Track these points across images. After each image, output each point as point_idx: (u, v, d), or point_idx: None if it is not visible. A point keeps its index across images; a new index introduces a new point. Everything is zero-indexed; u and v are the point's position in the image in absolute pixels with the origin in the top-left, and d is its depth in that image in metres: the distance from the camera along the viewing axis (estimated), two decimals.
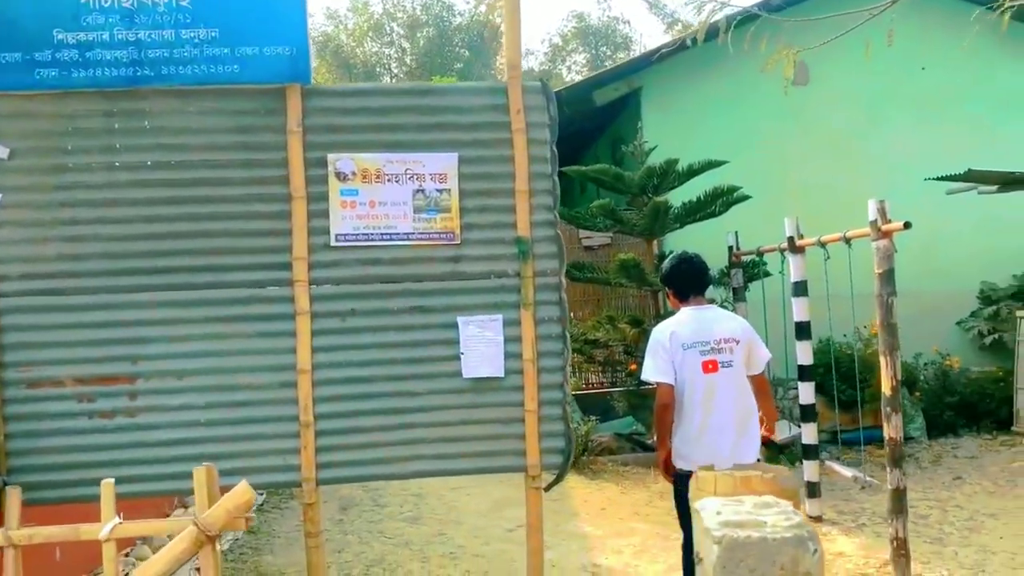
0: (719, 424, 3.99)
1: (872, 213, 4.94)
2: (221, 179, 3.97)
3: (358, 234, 4.07)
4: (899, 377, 4.90)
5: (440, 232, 4.12)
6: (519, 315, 4.12)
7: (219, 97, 3.97)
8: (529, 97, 4.12)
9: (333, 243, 4.04)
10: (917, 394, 8.65)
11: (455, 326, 4.10)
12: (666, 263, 4.45)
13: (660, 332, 4.17)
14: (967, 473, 7.46)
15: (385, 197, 4.08)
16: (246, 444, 3.99)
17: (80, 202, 3.87)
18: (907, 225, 4.72)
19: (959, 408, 8.82)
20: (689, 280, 4.25)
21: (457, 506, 6.46)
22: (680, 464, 4.07)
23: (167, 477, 3.92)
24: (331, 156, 4.03)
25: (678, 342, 4.05)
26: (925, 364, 9.12)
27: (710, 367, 3.99)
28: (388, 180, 4.08)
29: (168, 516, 5.85)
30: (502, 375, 4.12)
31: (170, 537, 3.24)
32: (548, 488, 4.30)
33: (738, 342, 4.01)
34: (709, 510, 2.66)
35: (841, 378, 8.13)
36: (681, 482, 3.96)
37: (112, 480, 3.07)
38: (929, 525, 6.03)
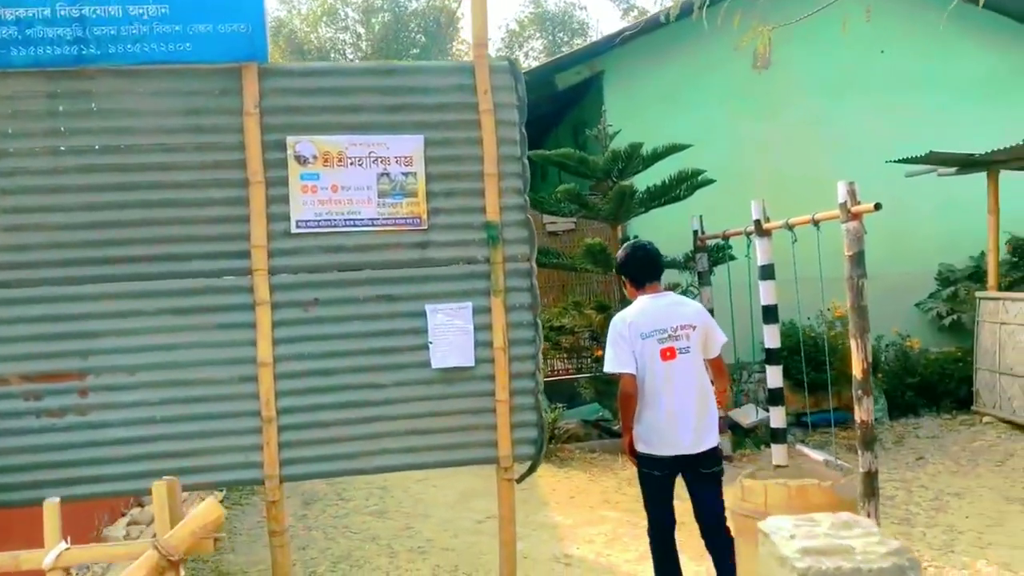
0: (679, 409, 4.04)
1: (842, 195, 4.89)
2: (174, 164, 3.77)
3: (320, 220, 3.91)
4: (870, 360, 4.87)
5: (406, 217, 3.97)
6: (489, 302, 4.00)
7: (170, 77, 3.77)
8: (497, 77, 3.99)
9: (294, 230, 3.87)
10: (879, 376, 8.71)
11: (423, 315, 3.97)
12: (620, 253, 4.47)
13: (618, 322, 4.18)
14: (929, 453, 7.53)
15: (348, 181, 3.92)
16: (205, 441, 3.81)
17: (23, 189, 3.64)
18: (877, 206, 4.67)
19: (919, 389, 8.91)
20: (644, 268, 4.28)
21: (424, 498, 6.33)
22: (642, 448, 4.12)
23: (122, 478, 3.74)
24: (290, 139, 3.86)
25: (636, 331, 4.08)
26: (886, 346, 9.20)
27: (668, 354, 4.04)
28: (351, 164, 3.92)
29: (124, 515, 5.64)
30: (472, 364, 4.00)
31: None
32: (520, 480, 4.20)
33: (695, 327, 4.07)
34: (780, 533, 2.23)
35: (805, 360, 8.17)
36: (645, 466, 4.12)
37: (56, 501, 2.81)
38: (896, 506, 6.05)
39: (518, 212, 4.04)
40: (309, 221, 3.90)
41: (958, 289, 9.37)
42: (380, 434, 3.98)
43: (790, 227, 5.76)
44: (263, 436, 3.84)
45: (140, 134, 3.74)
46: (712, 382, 4.24)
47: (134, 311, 3.75)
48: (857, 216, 4.81)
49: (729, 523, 4.21)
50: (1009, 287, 8.41)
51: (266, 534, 3.98)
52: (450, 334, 4.00)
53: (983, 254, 9.49)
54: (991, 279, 8.11)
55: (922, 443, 7.86)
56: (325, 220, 3.91)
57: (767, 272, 6.19)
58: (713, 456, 4.11)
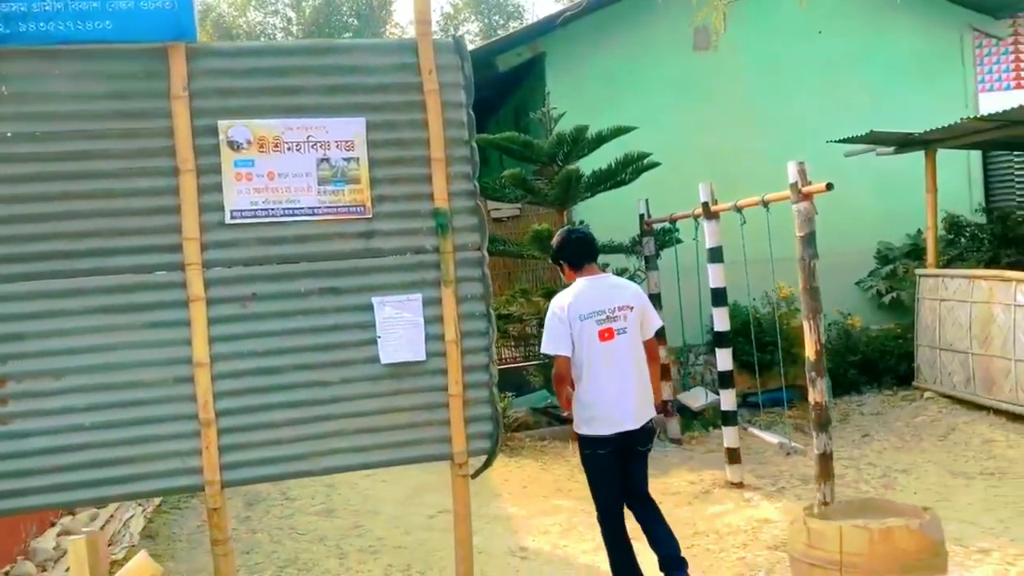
0: (620, 388, 4.06)
1: (792, 175, 4.85)
2: (96, 152, 3.50)
3: (256, 210, 3.68)
4: (823, 341, 4.86)
5: (349, 205, 3.77)
6: (439, 293, 3.83)
7: (90, 58, 3.49)
8: (441, 56, 3.81)
9: (228, 220, 3.64)
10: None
11: (370, 308, 3.78)
12: (555, 239, 4.48)
13: (556, 304, 4.17)
14: (874, 430, 7.62)
15: (285, 168, 3.71)
16: (138, 448, 3.58)
17: None
18: (829, 186, 4.65)
19: (861, 366, 9.03)
20: (580, 250, 4.30)
21: (373, 495, 6.14)
22: (584, 431, 4.13)
23: (49, 490, 3.48)
24: (222, 123, 3.62)
25: (575, 313, 4.08)
26: (829, 325, 9.26)
27: (607, 335, 4.06)
28: (288, 149, 3.71)
29: (54, 524, 5.32)
30: (423, 358, 3.83)
31: None
32: (476, 475, 4.06)
33: (632, 308, 4.10)
34: None
35: (749, 342, 8.20)
36: (589, 447, 4.13)
37: None
38: (847, 485, 6.08)
39: (468, 198, 3.87)
40: (245, 211, 3.67)
41: (896, 267, 9.51)
42: (328, 434, 3.80)
43: (739, 209, 5.72)
44: (202, 440, 3.62)
45: (58, 120, 3.46)
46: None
47: (58, 311, 3.49)
48: (808, 196, 4.78)
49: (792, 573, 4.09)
50: (947, 264, 8.56)
51: (208, 539, 3.76)
52: (399, 327, 3.82)
53: (920, 232, 9.66)
54: (930, 257, 8.23)
55: (867, 420, 7.95)
56: (262, 210, 3.69)
57: (716, 255, 6.15)
58: (650, 433, 4.22)
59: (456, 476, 3.96)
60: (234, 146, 3.64)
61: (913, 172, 9.03)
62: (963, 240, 9.17)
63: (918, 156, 8.48)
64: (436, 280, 3.84)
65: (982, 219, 9.51)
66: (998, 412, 7.17)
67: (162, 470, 3.63)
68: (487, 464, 4.03)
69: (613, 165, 7.44)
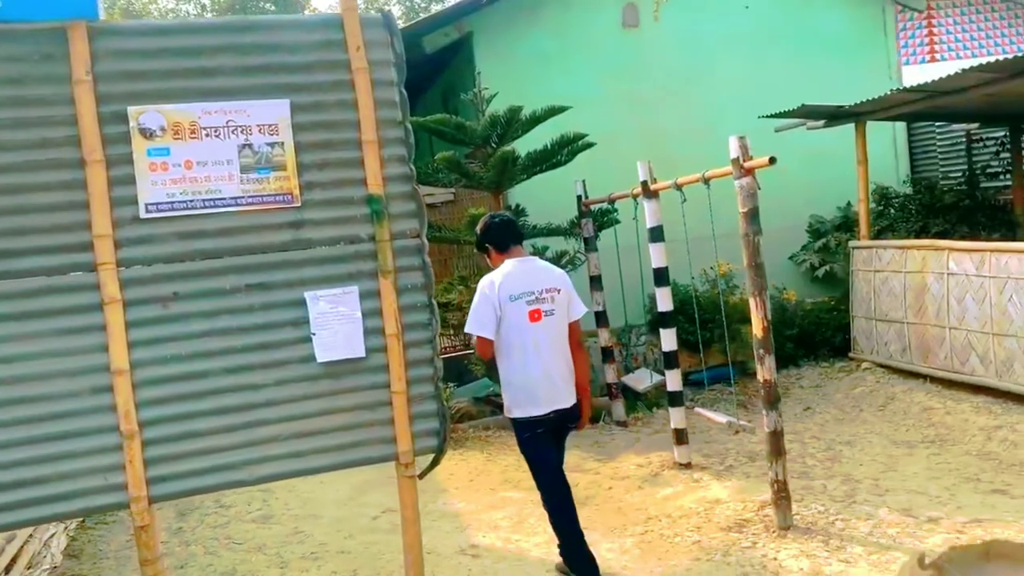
0: (552, 368, 4.07)
1: (734, 150, 4.75)
2: None
3: (174, 202, 3.40)
4: (769, 317, 4.79)
5: (275, 194, 3.51)
6: (377, 285, 3.61)
7: None
8: (370, 31, 3.56)
9: (143, 215, 3.34)
10: None
11: (302, 303, 3.54)
12: (479, 225, 4.44)
13: (486, 284, 4.15)
14: (815, 403, 7.67)
15: (204, 156, 3.43)
16: (54, 466, 3.28)
17: None
18: (772, 160, 4.56)
19: (798, 340, 9.10)
20: (505, 232, 4.28)
21: (312, 497, 5.88)
22: (520, 413, 4.11)
23: None
24: (132, 109, 3.32)
25: (505, 293, 4.06)
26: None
27: (536, 316, 4.06)
28: (206, 135, 3.42)
29: None
30: (363, 355, 3.61)
31: None
32: (423, 475, 3.86)
33: (559, 291, 4.11)
34: None
35: (688, 320, 8.17)
36: (527, 430, 4.11)
37: None
38: (793, 460, 6.05)
39: (403, 183, 3.65)
40: (161, 204, 3.38)
41: (828, 240, 9.60)
42: (262, 440, 3.55)
43: (679, 187, 5.62)
44: (124, 454, 3.34)
45: None
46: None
47: None
48: (750, 171, 4.69)
49: None
50: (877, 235, 8.66)
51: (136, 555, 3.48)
52: (335, 323, 3.59)
53: (850, 204, 9.78)
54: (863, 229, 8.31)
55: (806, 393, 8.01)
56: (180, 202, 3.40)
57: (656, 234, 6.05)
58: (576, 412, 4.24)
59: (402, 477, 3.76)
60: (146, 133, 3.35)
61: (841, 146, 9.11)
62: (892, 211, 9.30)
63: (846, 130, 8.54)
64: (373, 271, 3.61)
65: (909, 190, 9.66)
66: (934, 379, 7.28)
67: (82, 488, 3.34)
68: (434, 463, 3.84)
69: (549, 146, 7.27)
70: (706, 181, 5.24)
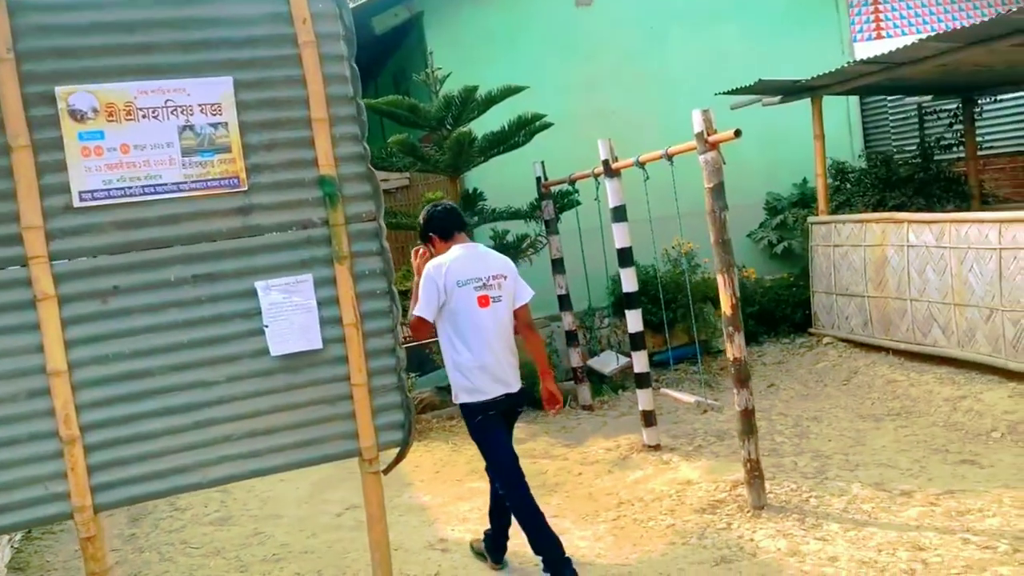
0: (501, 353, 4.05)
1: (697, 124, 4.63)
2: None
3: (111, 189, 3.17)
4: (738, 295, 4.69)
5: (220, 178, 3.30)
6: (333, 272, 3.43)
7: None
8: (316, 3, 3.37)
9: (77, 204, 3.12)
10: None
11: (253, 294, 3.34)
12: (421, 217, 4.38)
13: (433, 268, 4.07)
14: (778, 379, 7.64)
15: (142, 139, 3.20)
16: None
17: None
18: (738, 133, 4.45)
19: (759, 317, 9.06)
20: (448, 219, 4.23)
21: (272, 496, 5.66)
22: (467, 398, 4.06)
23: None
24: (60, 89, 3.08)
25: (453, 279, 4.01)
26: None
27: (484, 303, 4.03)
28: (143, 116, 3.20)
29: None
30: (319, 347, 3.43)
31: None
32: (388, 471, 3.70)
33: (506, 277, 4.10)
34: None
35: (651, 301, 8.08)
36: (476, 415, 4.05)
37: None
38: (761, 437, 5.92)
39: (357, 163, 3.46)
40: (96, 192, 3.15)
41: (786, 216, 9.58)
42: (215, 440, 3.35)
43: (641, 164, 5.49)
44: (66, 461, 3.13)
45: None
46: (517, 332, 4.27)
47: None
48: (715, 146, 4.57)
49: None
50: (835, 210, 8.65)
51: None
52: (289, 314, 3.39)
53: (806, 181, 9.78)
54: (821, 204, 8.28)
55: (770, 370, 7.98)
56: (117, 189, 3.18)
57: (619, 214, 5.92)
58: (524, 395, 4.21)
59: (366, 474, 3.59)
60: (77, 116, 3.12)
61: (796, 122, 9.07)
62: (849, 186, 9.30)
63: (800, 107, 8.50)
64: (328, 257, 3.43)
65: (864, 165, 9.68)
66: (896, 352, 7.29)
67: (21, 500, 3.14)
68: (400, 457, 3.67)
69: (506, 127, 7.09)
70: (669, 157, 5.11)
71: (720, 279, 4.68)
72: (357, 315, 3.44)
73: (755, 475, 4.63)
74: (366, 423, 3.50)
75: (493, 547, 4.36)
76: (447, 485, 5.69)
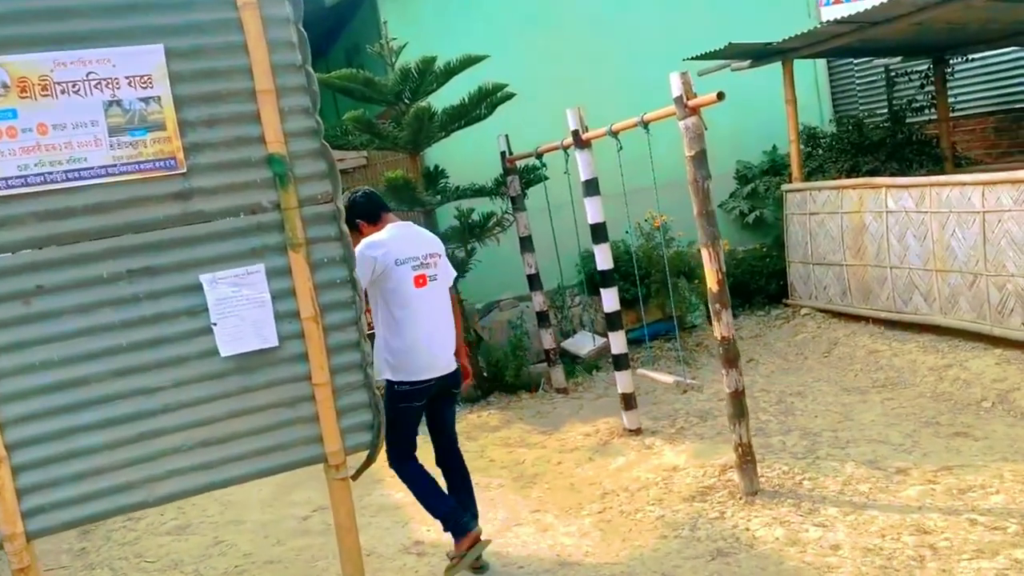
0: (436, 333, 3.98)
1: (676, 88, 4.33)
2: None
3: (28, 176, 2.80)
4: (724, 270, 4.43)
5: (155, 160, 2.94)
6: (287, 261, 3.09)
7: None
8: None
9: None
10: (696, 282, 8.53)
11: (198, 288, 3.00)
12: (344, 205, 4.06)
13: (369, 246, 3.91)
14: (757, 353, 7.43)
15: (62, 117, 2.83)
16: None
17: None
18: (720, 96, 4.16)
19: (733, 289, 8.73)
20: (371, 202, 4.13)
21: (233, 500, 5.29)
22: (399, 376, 3.93)
23: None
24: None
25: (391, 258, 3.90)
26: (698, 251, 9.00)
27: (421, 282, 3.95)
28: (62, 92, 2.82)
29: None
30: (276, 344, 3.09)
31: None
32: (356, 476, 3.39)
33: (440, 256, 4.05)
34: None
35: (622, 277, 7.82)
36: (403, 400, 3.93)
37: None
38: None
39: (309, 139, 3.11)
40: (12, 179, 2.78)
41: (757, 185, 9.35)
42: (163, 453, 3.02)
43: (614, 134, 5.18)
44: None
45: None
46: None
47: None
48: (696, 111, 4.27)
49: None
50: (807, 177, 8.43)
51: None
52: (240, 309, 3.05)
53: (775, 148, 9.54)
54: (795, 170, 8.05)
55: (748, 344, 7.76)
56: (36, 175, 2.80)
57: (591, 187, 5.61)
58: (460, 375, 4.14)
59: (333, 480, 3.27)
60: None
61: (764, 88, 8.80)
62: (820, 152, 9.09)
63: (767, 72, 8.24)
64: (281, 245, 3.09)
65: (834, 130, 9.47)
66: (877, 321, 7.11)
67: None
68: (369, 460, 3.36)
69: (467, 100, 6.72)
70: (645, 125, 4.81)
71: (705, 253, 4.41)
72: (316, 307, 3.11)
73: (747, 460, 4.39)
74: (330, 426, 3.19)
75: (456, 530, 4.07)
76: None
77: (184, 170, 2.95)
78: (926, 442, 4.90)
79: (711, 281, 4.42)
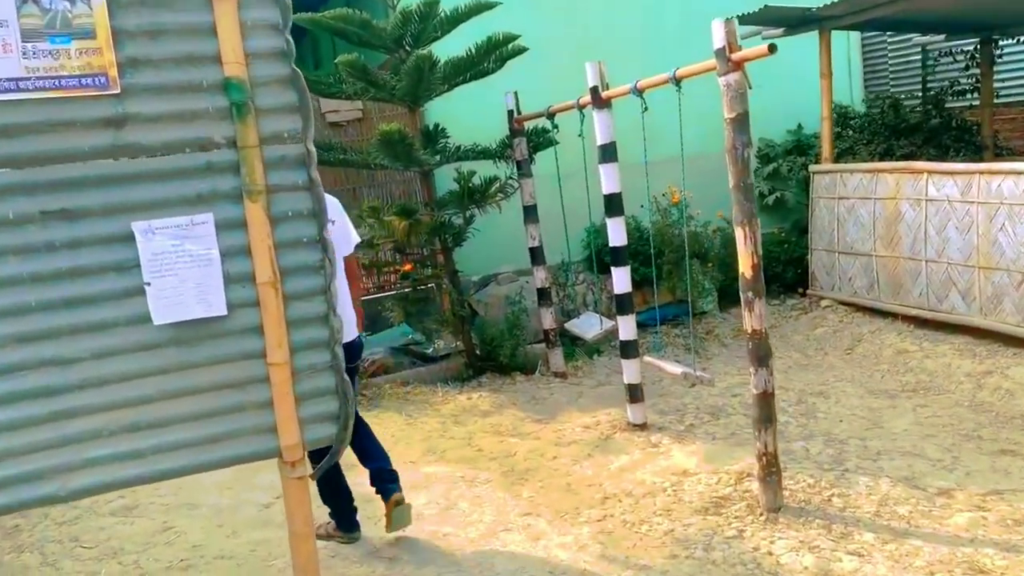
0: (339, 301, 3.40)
1: (719, 39, 3.73)
2: None
3: None
4: (760, 253, 3.85)
5: (81, 75, 2.35)
6: (243, 212, 2.51)
7: None
8: None
9: None
10: (710, 265, 7.96)
11: (130, 239, 2.43)
12: None
13: None
14: (773, 346, 6.68)
15: None
16: None
17: None
18: (772, 48, 3.56)
19: None
20: None
21: (188, 480, 4.62)
22: None
23: None
24: None
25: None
26: (713, 231, 8.43)
27: None
28: None
29: None
30: (223, 312, 2.53)
31: None
32: (317, 475, 2.85)
33: (334, 222, 3.50)
34: None
35: (632, 255, 7.26)
36: None
37: None
38: None
39: (277, 62, 2.52)
40: None
41: (779, 165, 8.74)
42: (80, 438, 2.48)
43: (639, 92, 4.58)
44: None
45: None
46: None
47: None
48: (740, 65, 3.67)
49: None
50: (836, 159, 7.82)
51: None
52: (181, 268, 2.48)
53: (800, 127, 8.94)
54: (826, 151, 7.43)
55: None
56: None
57: (609, 152, 5.02)
58: (360, 346, 3.97)
59: (288, 479, 2.72)
60: None
61: (792, 61, 8.12)
62: (851, 132, 8.47)
63: (796, 43, 7.55)
64: (235, 191, 2.51)
65: (865, 110, 8.85)
66: (906, 319, 6.54)
67: None
68: (333, 457, 2.81)
69: (473, 51, 6.09)
70: (677, 82, 4.20)
71: (739, 233, 3.83)
72: (276, 270, 2.54)
73: (771, 471, 3.84)
74: (287, 414, 2.64)
75: (341, 520, 3.89)
76: (399, 468, 4.71)
77: (118, 91, 2.37)
78: (968, 459, 4.35)
79: (745, 265, 3.85)
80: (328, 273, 2.63)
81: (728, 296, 8.24)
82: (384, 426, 5.55)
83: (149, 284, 2.45)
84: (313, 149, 2.59)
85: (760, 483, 3.91)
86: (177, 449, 2.57)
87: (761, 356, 3.85)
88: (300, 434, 2.67)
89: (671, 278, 7.61)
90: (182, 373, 2.53)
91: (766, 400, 3.84)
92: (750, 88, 3.74)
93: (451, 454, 5.00)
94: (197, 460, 2.61)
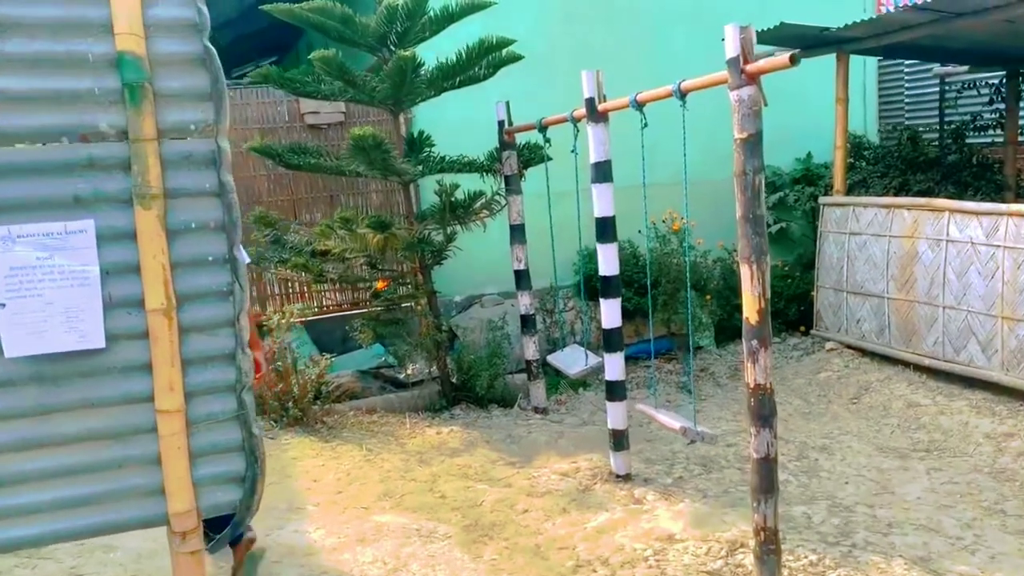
0: None
1: (732, 47, 3.23)
2: None
3: None
4: (768, 295, 3.35)
5: None
6: (132, 219, 2.01)
7: None
8: None
9: None
10: (708, 297, 7.47)
11: None
12: None
13: None
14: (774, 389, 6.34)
15: None
16: None
17: None
18: (794, 59, 3.07)
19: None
20: None
21: None
22: None
23: None
24: None
25: None
26: (712, 261, 7.94)
27: None
28: None
29: None
30: (101, 345, 2.02)
31: None
32: (214, 548, 2.32)
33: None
34: None
35: (625, 283, 6.80)
36: None
37: None
38: None
39: (185, 36, 2.02)
40: None
41: (786, 195, 8.27)
42: None
43: (639, 105, 4.08)
44: None
45: None
46: None
47: None
48: (755, 78, 3.18)
49: None
50: (848, 191, 7.34)
51: None
52: (48, 287, 1.97)
53: (810, 155, 8.48)
54: (838, 182, 6.95)
55: None
56: None
57: (603, 172, 4.51)
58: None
59: (179, 554, 2.20)
60: None
61: (802, 85, 7.70)
62: (864, 164, 7.99)
63: (807, 67, 7.05)
64: (124, 194, 2.00)
65: (879, 140, 8.39)
66: (918, 368, 6.04)
67: None
68: (236, 526, 2.29)
69: (464, 55, 5.61)
70: (682, 95, 3.71)
71: (745, 271, 3.33)
72: (170, 295, 2.03)
73: (769, 549, 3.32)
74: (179, 474, 2.12)
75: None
76: (348, 515, 4.27)
77: None
78: (992, 538, 3.84)
79: (750, 309, 3.35)
80: (238, 300, 2.12)
81: (726, 331, 7.75)
82: (339, 461, 5.03)
83: (3, 306, 1.94)
84: (227, 146, 2.09)
85: (756, 560, 3.38)
86: (36, 513, 2.06)
87: (764, 415, 3.33)
88: (194, 499, 2.15)
89: (666, 310, 7.12)
90: (44, 418, 2.02)
91: (768, 466, 3.31)
92: (765, 105, 3.25)
93: (410, 500, 4.47)
94: (59, 527, 2.09)
